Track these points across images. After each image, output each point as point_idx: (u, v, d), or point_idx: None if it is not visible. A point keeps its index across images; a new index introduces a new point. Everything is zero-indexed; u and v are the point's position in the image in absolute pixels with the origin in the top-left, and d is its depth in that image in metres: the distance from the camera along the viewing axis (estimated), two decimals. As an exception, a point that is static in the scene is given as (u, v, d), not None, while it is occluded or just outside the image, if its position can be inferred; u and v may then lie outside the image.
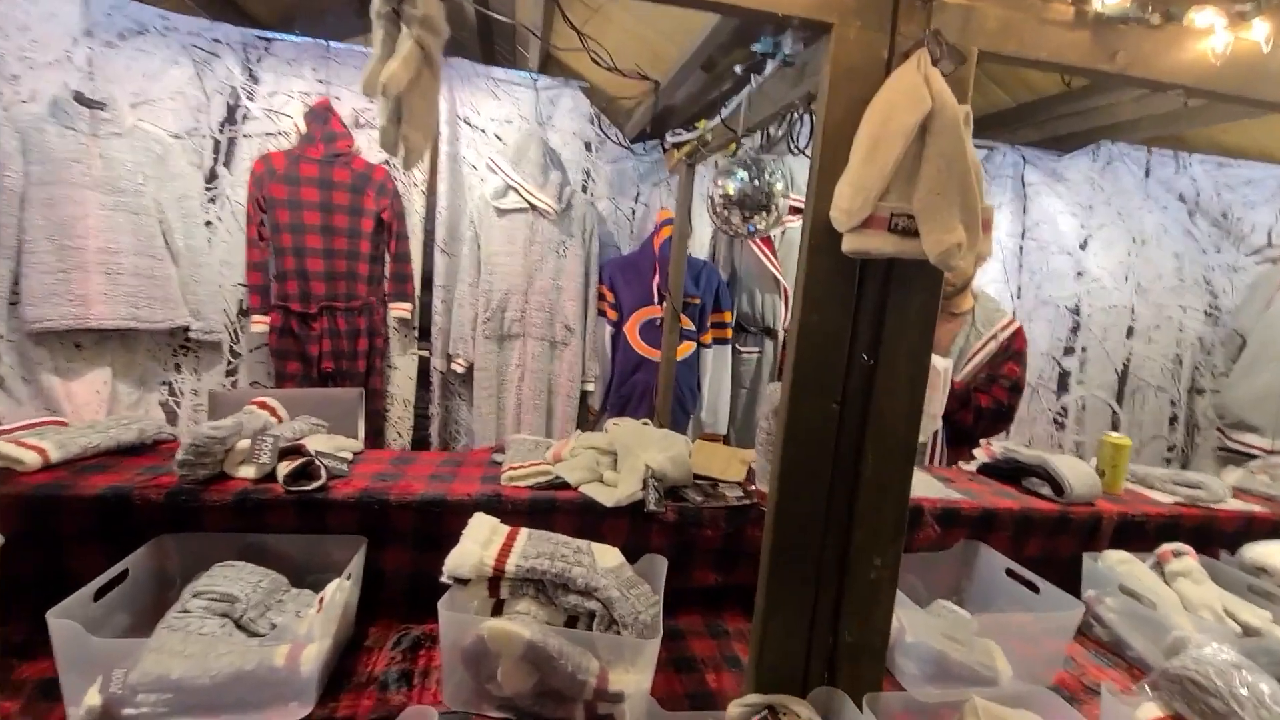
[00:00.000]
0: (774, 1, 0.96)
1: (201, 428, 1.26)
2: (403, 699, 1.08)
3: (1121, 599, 1.49)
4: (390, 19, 0.88)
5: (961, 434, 2.13)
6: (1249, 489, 1.96)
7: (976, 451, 1.95)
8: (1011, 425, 2.25)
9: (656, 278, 2.66)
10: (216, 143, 2.50)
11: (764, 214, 1.61)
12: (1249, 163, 2.94)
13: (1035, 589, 1.41)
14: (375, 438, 2.75)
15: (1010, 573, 1.48)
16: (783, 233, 2.56)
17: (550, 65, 2.93)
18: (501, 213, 2.67)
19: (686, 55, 1.80)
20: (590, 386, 2.80)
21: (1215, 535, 1.73)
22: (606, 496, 1.36)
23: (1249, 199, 2.95)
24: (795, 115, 1.58)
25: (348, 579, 1.14)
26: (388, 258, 2.69)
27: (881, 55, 0.98)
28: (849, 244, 0.96)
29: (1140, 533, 1.67)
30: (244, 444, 1.31)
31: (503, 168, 2.63)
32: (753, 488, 1.55)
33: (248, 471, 1.29)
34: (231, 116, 2.50)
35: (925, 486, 1.66)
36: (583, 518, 1.37)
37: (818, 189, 1.00)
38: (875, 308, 1.04)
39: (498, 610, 1.16)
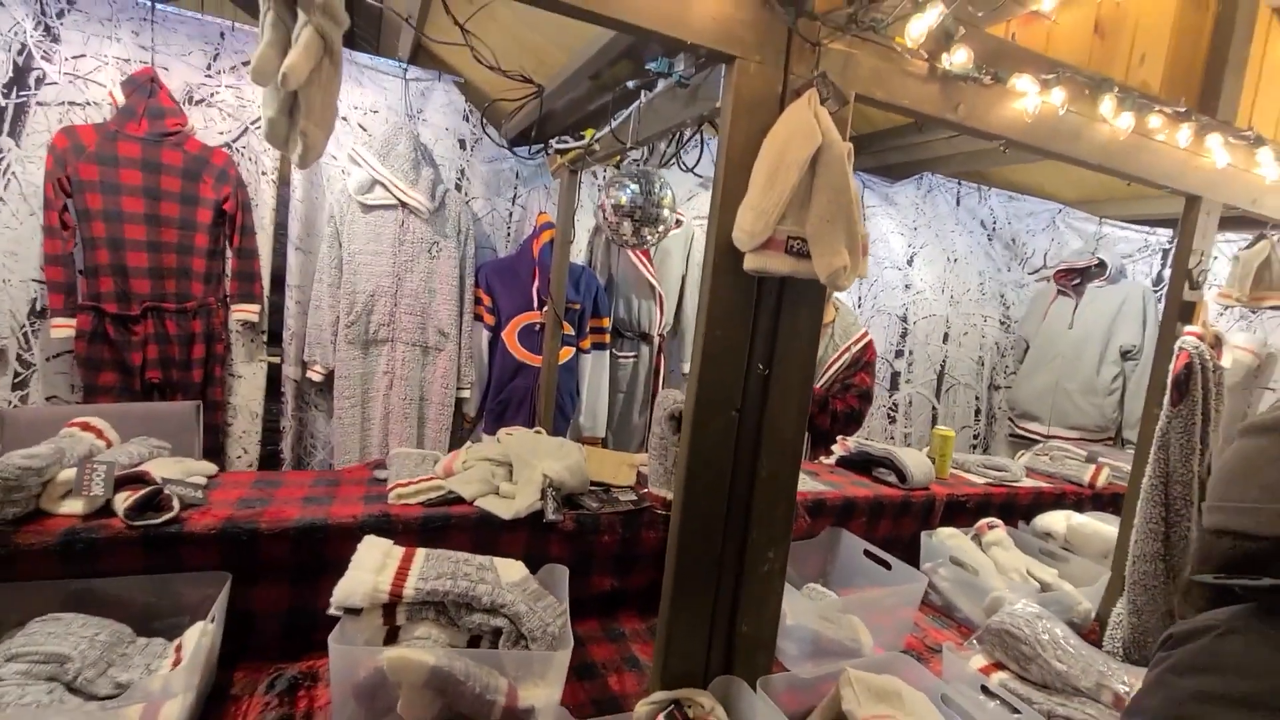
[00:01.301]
0: (684, 29, 1.01)
1: (10, 458, 1.04)
2: (287, 747, 0.98)
3: (952, 568, 1.74)
4: (284, 1, 0.80)
5: (819, 435, 2.35)
6: (1036, 468, 2.37)
7: (835, 447, 2.17)
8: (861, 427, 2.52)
9: (536, 282, 2.63)
10: (0, 109, 2.06)
11: (654, 227, 1.66)
12: (1031, 198, 3.57)
13: (888, 566, 1.60)
14: (213, 455, 2.43)
15: (868, 553, 1.67)
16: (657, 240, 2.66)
17: (421, 56, 2.78)
18: (367, 208, 2.49)
19: (575, 63, 1.80)
20: (466, 393, 2.69)
21: (1016, 509, 2.08)
22: (505, 509, 1.33)
23: (1031, 228, 3.57)
24: (684, 134, 1.65)
25: (211, 621, 1.01)
26: (230, 253, 2.39)
27: (777, 90, 1.07)
28: (750, 263, 1.03)
29: (963, 510, 1.97)
30: (67, 474, 1.11)
31: (368, 160, 2.45)
32: (645, 491, 1.59)
33: (75, 506, 1.09)
34: (21, 79, 2.08)
35: (798, 481, 1.82)
36: (479, 532, 1.33)
37: (720, 212, 1.06)
38: (771, 322, 1.13)
39: (392, 638, 1.09)
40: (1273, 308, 1.91)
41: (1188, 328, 1.59)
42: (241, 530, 1.15)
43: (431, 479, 1.38)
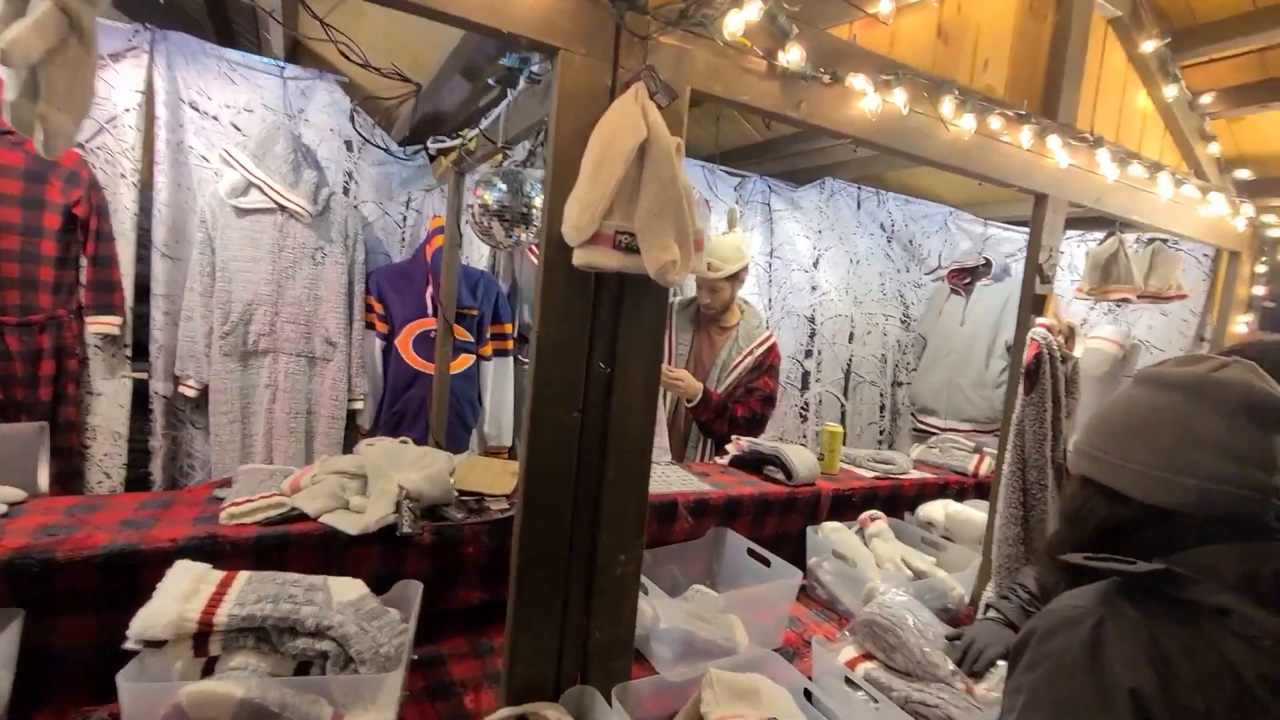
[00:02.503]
0: (501, 19, 0.98)
1: None
2: (72, 800, 0.88)
3: (834, 562, 1.77)
4: (18, -30, 0.72)
5: (719, 439, 2.34)
6: (925, 460, 2.45)
7: (729, 446, 2.18)
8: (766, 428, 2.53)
9: (430, 288, 2.55)
10: None
11: (524, 226, 1.62)
12: (925, 201, 3.72)
13: (768, 563, 1.61)
14: (71, 480, 2.23)
15: (751, 552, 1.67)
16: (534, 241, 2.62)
17: (301, 55, 2.66)
18: (242, 212, 2.34)
19: (442, 61, 1.75)
20: (359, 405, 2.57)
21: (901, 500, 2.14)
22: (352, 524, 1.25)
23: (926, 230, 3.73)
24: (546, 132, 1.62)
25: (-8, 666, 0.91)
26: (84, 262, 2.20)
27: (605, 83, 1.05)
28: (578, 258, 1.00)
29: (849, 504, 2.00)
30: None
31: (242, 162, 2.32)
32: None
33: None
34: None
35: (681, 482, 1.81)
36: (325, 551, 1.25)
37: (550, 206, 1.03)
38: (611, 320, 1.10)
39: (209, 671, 1.01)
40: (1121, 300, 2.04)
41: (1039, 319, 1.66)
42: (34, 561, 1.03)
43: (273, 496, 1.29)
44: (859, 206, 3.60)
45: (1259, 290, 2.43)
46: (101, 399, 2.28)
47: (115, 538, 1.11)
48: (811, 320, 3.55)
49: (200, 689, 0.89)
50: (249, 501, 1.25)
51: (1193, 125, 2.12)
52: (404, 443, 1.51)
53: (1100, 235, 2.20)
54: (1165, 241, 2.36)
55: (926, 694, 1.29)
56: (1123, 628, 0.70)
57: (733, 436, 2.19)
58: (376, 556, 1.29)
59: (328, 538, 1.25)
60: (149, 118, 2.28)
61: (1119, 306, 2.86)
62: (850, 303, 3.59)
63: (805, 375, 3.57)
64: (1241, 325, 2.44)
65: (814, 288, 3.56)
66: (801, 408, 3.56)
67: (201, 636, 0.99)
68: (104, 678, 1.09)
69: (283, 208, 2.36)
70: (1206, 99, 2.08)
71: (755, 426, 2.38)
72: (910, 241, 3.72)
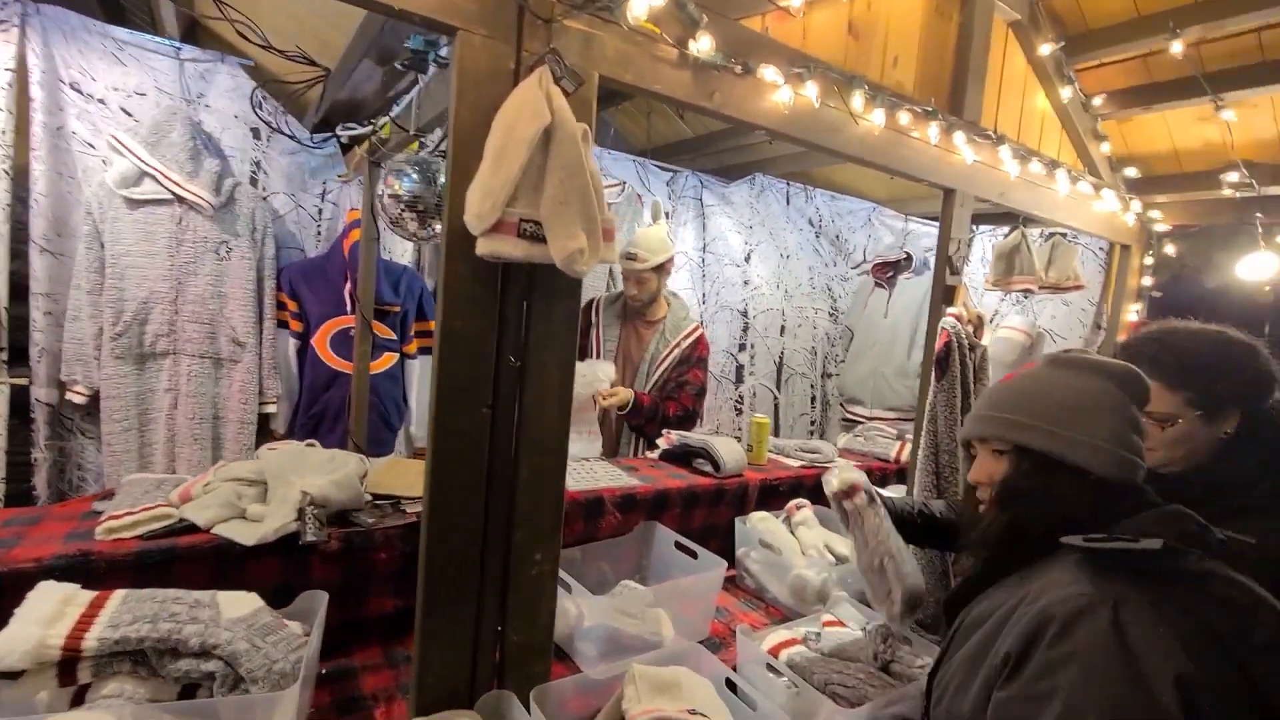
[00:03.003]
0: (392, -5, 0.93)
1: None
2: None
3: (761, 551, 1.79)
4: None
5: (653, 438, 2.31)
6: (851, 448, 2.52)
7: (659, 441, 2.17)
8: (699, 422, 2.52)
9: (348, 284, 2.43)
10: None
11: (439, 219, 1.56)
12: (850, 198, 3.84)
13: (695, 555, 1.61)
14: (-62, 500, 2.01)
15: (679, 545, 1.67)
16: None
17: (200, 35, 2.49)
18: (135, 204, 2.16)
19: (348, 44, 1.67)
20: (271, 408, 2.43)
21: (827, 488, 2.19)
22: (248, 534, 1.17)
23: (851, 225, 3.84)
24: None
25: None
26: (-53, 257, 1.99)
27: (508, 66, 1.01)
28: (481, 247, 0.97)
29: (777, 494, 2.03)
30: None
31: (133, 149, 2.14)
32: (437, 501, 1.49)
33: None
34: None
35: (608, 478, 1.79)
36: (218, 564, 1.16)
37: (452, 193, 0.99)
38: (519, 313, 1.07)
39: (79, 700, 0.92)
40: (1024, 290, 2.16)
41: (949, 309, 1.73)
42: None
43: (159, 506, 1.19)
44: (788, 202, 3.67)
45: (1147, 281, 2.62)
46: (-28, 408, 2.06)
47: (-34, 560, 1.00)
48: (744, 314, 3.59)
49: (62, 722, 0.81)
50: (129, 514, 1.15)
51: (1086, 125, 2.26)
52: (310, 445, 1.43)
53: (1007, 230, 2.31)
54: (1064, 236, 2.51)
55: (846, 675, 1.32)
56: (1137, 613, 0.69)
57: (664, 431, 2.19)
58: (277, 568, 1.21)
59: (221, 550, 1.16)
60: (21, 99, 2.07)
61: (1025, 298, 3.02)
62: (781, 297, 3.66)
63: (739, 369, 3.62)
64: (1132, 314, 2.62)
65: (746, 282, 3.60)
66: (736, 401, 3.61)
67: (68, 664, 0.90)
68: (-44, 717, 0.99)
69: (181, 199, 2.20)
70: (1098, 100, 2.21)
71: (688, 422, 2.38)
72: (837, 237, 3.82)
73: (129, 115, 2.24)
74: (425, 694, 1.04)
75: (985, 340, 1.81)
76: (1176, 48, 1.85)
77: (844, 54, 1.55)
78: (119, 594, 0.98)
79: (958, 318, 1.70)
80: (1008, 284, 2.12)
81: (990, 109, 1.92)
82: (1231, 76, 2.00)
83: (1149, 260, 2.61)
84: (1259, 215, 2.23)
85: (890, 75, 1.66)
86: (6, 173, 2.06)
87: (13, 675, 0.87)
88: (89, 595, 0.96)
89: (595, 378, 2.15)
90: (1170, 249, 2.59)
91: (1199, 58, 2.04)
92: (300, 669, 0.97)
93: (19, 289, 2.14)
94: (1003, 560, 0.91)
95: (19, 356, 2.17)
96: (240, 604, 1.02)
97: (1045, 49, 2.04)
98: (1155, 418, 1.09)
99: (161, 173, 2.16)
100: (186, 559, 1.13)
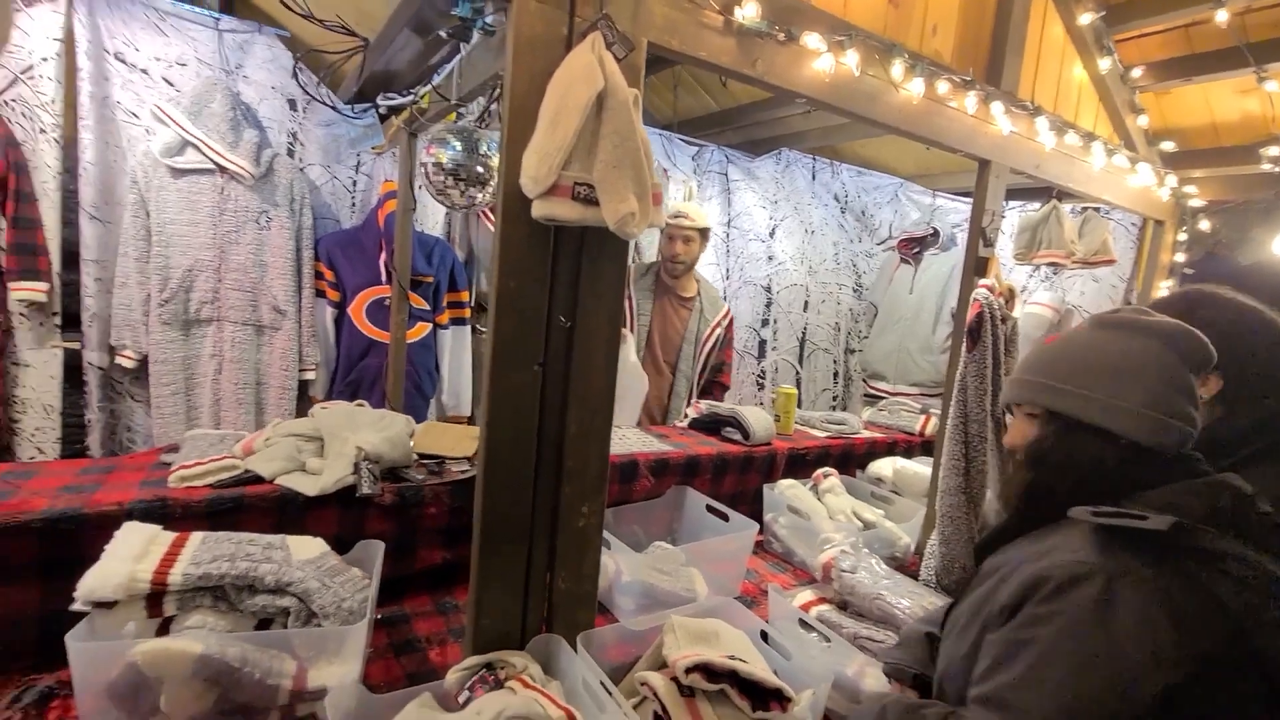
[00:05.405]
0: (453, -39, 0.95)
1: None
2: (20, 763, 0.86)
3: (789, 517, 1.84)
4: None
5: None
6: (875, 421, 2.55)
7: (688, 410, 2.22)
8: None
9: (383, 255, 2.48)
10: None
11: (480, 186, 1.60)
12: (876, 173, 3.80)
13: (726, 518, 1.66)
14: (0, 456, 2.11)
15: (710, 508, 1.72)
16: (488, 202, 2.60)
17: (238, 5, 2.52)
18: (178, 173, 2.22)
19: (390, 12, 1.69)
20: (310, 375, 2.50)
21: (853, 458, 2.23)
22: (309, 485, 1.24)
23: (877, 200, 3.82)
24: (501, 87, 1.59)
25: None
26: (3, 224, 2.06)
27: (562, 32, 1.04)
28: (537, 210, 1.00)
29: (803, 463, 2.07)
30: None
31: (176, 119, 2.19)
32: (480, 460, 1.55)
33: None
34: None
35: (640, 443, 1.84)
36: (281, 514, 1.23)
37: (508, 157, 1.02)
38: (571, 274, 1.11)
39: (164, 630, 0.99)
40: (1052, 264, 2.15)
41: (981, 281, 1.74)
42: (-34, 527, 0.99)
43: (225, 458, 1.26)
44: (814, 177, 3.65)
45: (1180, 258, 2.59)
46: (30, 370, 2.15)
47: (54, 503, 1.07)
48: (768, 290, 3.60)
49: (156, 646, 0.88)
50: (199, 464, 1.22)
51: (1124, 97, 2.23)
52: (360, 405, 1.49)
53: (1039, 205, 2.30)
54: (1097, 210, 2.48)
55: (874, 631, 1.37)
56: (1136, 586, 0.71)
57: (691, 400, 2.23)
58: (336, 518, 1.27)
59: (284, 500, 1.23)
60: (69, 69, 2.12)
61: (1055, 273, 3.00)
62: (805, 272, 3.66)
63: (762, 344, 3.64)
64: (1164, 290, 2.60)
65: (770, 257, 3.61)
66: (759, 375, 3.63)
67: (155, 597, 0.97)
68: (48, 646, 1.07)
69: (223, 169, 2.25)
70: (1137, 72, 2.18)
71: (724, 391, 2.49)
72: (863, 212, 3.80)
73: (170, 85, 2.29)
74: (480, 635, 1.10)
75: (1016, 313, 1.82)
76: (1222, 16, 1.82)
77: (884, 22, 1.54)
78: (198, 535, 1.04)
79: (990, 289, 1.71)
80: (1032, 257, 2.11)
81: (1028, 79, 1.90)
82: (1276, 47, 1.96)
83: (1182, 236, 2.58)
84: (1299, 190, 2.19)
85: (929, 44, 1.65)
86: (56, 141, 2.13)
87: (107, 605, 0.94)
88: (170, 535, 1.03)
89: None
90: (1205, 224, 2.56)
91: (1243, 27, 2.00)
92: (367, 608, 1.03)
93: (70, 256, 2.21)
94: (1026, 518, 0.93)
95: (71, 321, 2.25)
96: (308, 547, 1.09)
97: (1085, 18, 2.01)
98: None
99: (204, 142, 2.21)
100: (253, 507, 1.20)
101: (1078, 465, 0.86)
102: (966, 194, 3.57)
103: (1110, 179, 2.14)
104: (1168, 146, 2.37)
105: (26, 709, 0.97)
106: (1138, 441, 0.82)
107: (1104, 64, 2.11)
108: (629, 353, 2.25)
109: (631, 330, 2.41)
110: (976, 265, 1.80)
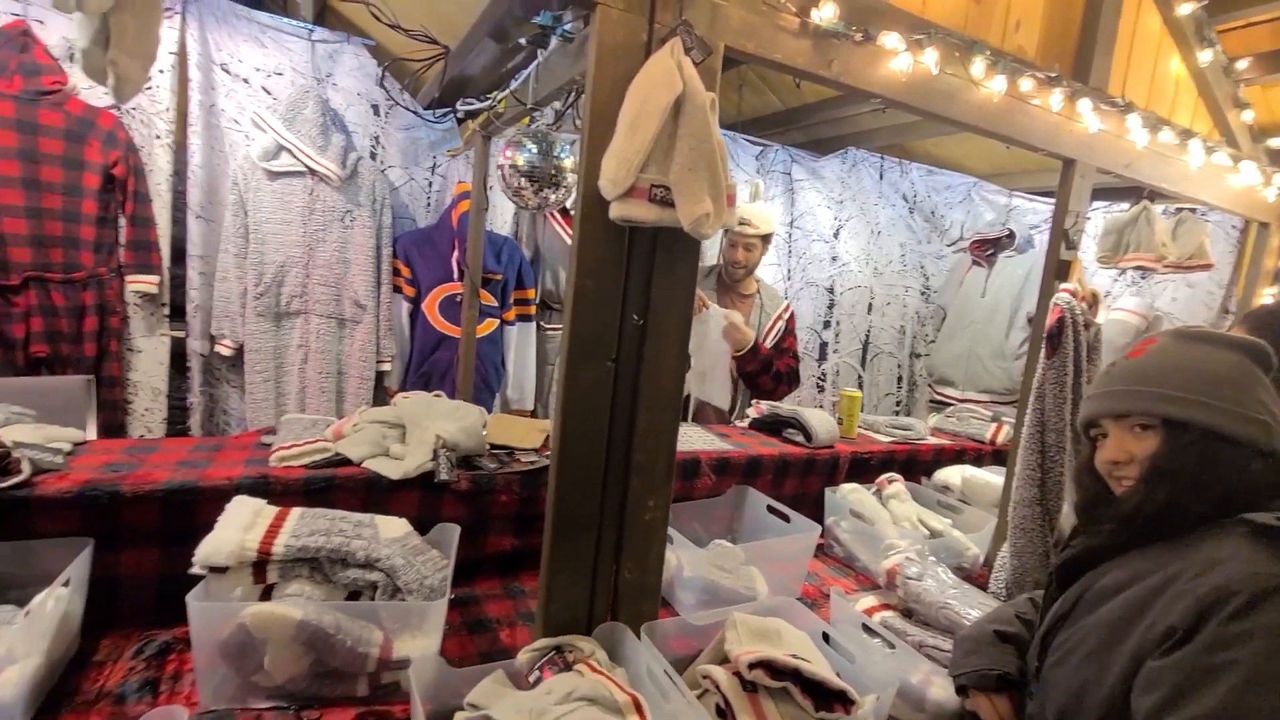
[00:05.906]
0: (542, -26, 1.00)
1: None
2: (145, 708, 0.96)
3: (852, 521, 1.82)
4: (90, -77, 0.75)
5: (762, 395, 2.38)
6: (943, 428, 2.48)
7: (749, 410, 2.22)
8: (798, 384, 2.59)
9: (456, 253, 2.59)
10: None
11: (554, 189, 1.65)
12: (949, 172, 3.68)
13: (787, 519, 1.66)
14: (115, 433, 2.33)
15: (771, 509, 1.72)
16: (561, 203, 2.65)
17: (329, 17, 2.68)
18: (273, 175, 2.39)
19: (472, 22, 1.77)
20: (387, 366, 2.64)
21: (918, 465, 2.18)
22: (393, 469, 1.32)
23: (949, 201, 3.69)
24: (577, 92, 1.64)
25: (65, 585, 0.98)
26: (123, 221, 2.27)
27: (642, 39, 1.07)
28: (615, 211, 1.04)
29: (867, 467, 2.04)
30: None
31: (273, 125, 2.35)
32: (549, 452, 1.60)
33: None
34: None
35: (703, 441, 1.86)
36: (368, 494, 1.31)
37: (588, 160, 1.06)
38: (644, 273, 1.14)
39: (266, 596, 1.08)
40: (1140, 269, 2.03)
41: (1062, 285, 1.67)
42: (101, 493, 1.11)
43: (318, 441, 1.35)
44: (881, 177, 3.57)
45: (1287, 262, 2.40)
46: (142, 355, 2.36)
47: (174, 475, 1.18)
48: (831, 291, 3.55)
49: (263, 610, 0.96)
50: (295, 446, 1.32)
51: (1226, 91, 2.08)
52: (437, 395, 1.57)
53: (1126, 205, 2.18)
54: (1194, 211, 2.33)
55: (940, 640, 1.34)
56: None
57: (754, 401, 2.23)
58: (416, 501, 1.35)
59: (370, 482, 1.31)
60: (182, 80, 2.31)
61: (1143, 278, 2.84)
62: (870, 274, 3.58)
63: (823, 346, 3.59)
64: (1267, 297, 2.42)
65: (834, 258, 3.55)
66: (819, 378, 3.59)
67: (260, 565, 1.05)
68: (165, 605, 1.18)
69: (313, 171, 2.40)
70: (1242, 64, 2.04)
71: (793, 381, 2.45)
72: (933, 213, 3.69)
73: (268, 93, 2.46)
74: (550, 619, 1.14)
75: (1100, 319, 1.74)
76: (1344, 2, 1.68)
77: (964, 19, 1.51)
78: (296, 511, 1.13)
79: (1072, 294, 1.64)
80: (1117, 260, 2.00)
81: (1118, 74, 1.81)
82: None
83: (1291, 239, 2.39)
84: None
85: (1012, 40, 1.60)
86: (169, 147, 2.32)
87: (221, 570, 1.03)
88: (273, 510, 1.12)
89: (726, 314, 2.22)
90: (1317, 227, 2.37)
91: (1368, 14, 1.84)
92: (447, 585, 1.10)
93: (179, 252, 2.42)
94: (1139, 533, 0.87)
95: (178, 312, 2.46)
96: (394, 527, 1.16)
97: (1185, 9, 1.89)
98: None
99: (297, 147, 2.37)
100: (343, 488, 1.29)
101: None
102: (1047, 193, 3.42)
103: (1209, 178, 2.01)
104: (1275, 143, 2.21)
105: (149, 660, 1.08)
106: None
107: (1204, 56, 1.98)
108: (712, 329, 2.23)
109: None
110: (1058, 268, 1.73)
